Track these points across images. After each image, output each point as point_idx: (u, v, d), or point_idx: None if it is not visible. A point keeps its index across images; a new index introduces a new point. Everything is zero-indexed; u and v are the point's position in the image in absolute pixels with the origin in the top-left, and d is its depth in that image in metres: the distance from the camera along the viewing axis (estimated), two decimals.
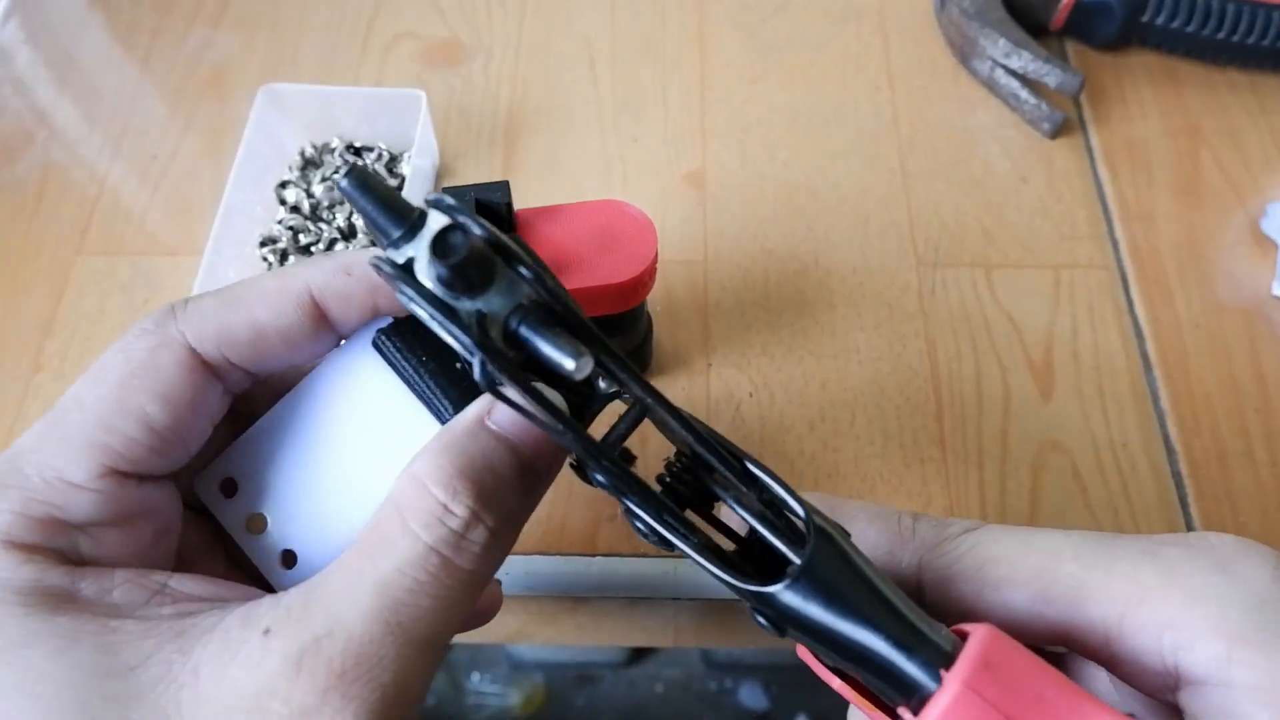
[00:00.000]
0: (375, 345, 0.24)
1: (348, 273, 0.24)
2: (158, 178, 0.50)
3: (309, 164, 0.49)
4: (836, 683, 0.23)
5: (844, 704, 0.24)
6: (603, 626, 0.51)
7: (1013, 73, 0.50)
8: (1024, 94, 0.50)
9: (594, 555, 0.39)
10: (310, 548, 0.25)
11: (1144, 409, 0.42)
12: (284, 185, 0.48)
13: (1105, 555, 0.22)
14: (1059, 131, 0.50)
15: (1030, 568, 0.22)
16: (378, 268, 0.21)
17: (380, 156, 0.49)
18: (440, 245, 0.20)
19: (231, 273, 0.44)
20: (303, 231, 0.46)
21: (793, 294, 0.45)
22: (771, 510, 0.23)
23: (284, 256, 0.46)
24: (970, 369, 0.43)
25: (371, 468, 0.24)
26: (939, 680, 0.20)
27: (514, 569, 0.38)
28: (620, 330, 0.38)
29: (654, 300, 0.44)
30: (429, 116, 0.46)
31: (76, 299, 0.46)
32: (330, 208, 0.47)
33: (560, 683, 1.16)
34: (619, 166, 0.50)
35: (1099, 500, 0.40)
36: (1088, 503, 0.40)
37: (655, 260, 0.38)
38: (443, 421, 0.24)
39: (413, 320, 0.24)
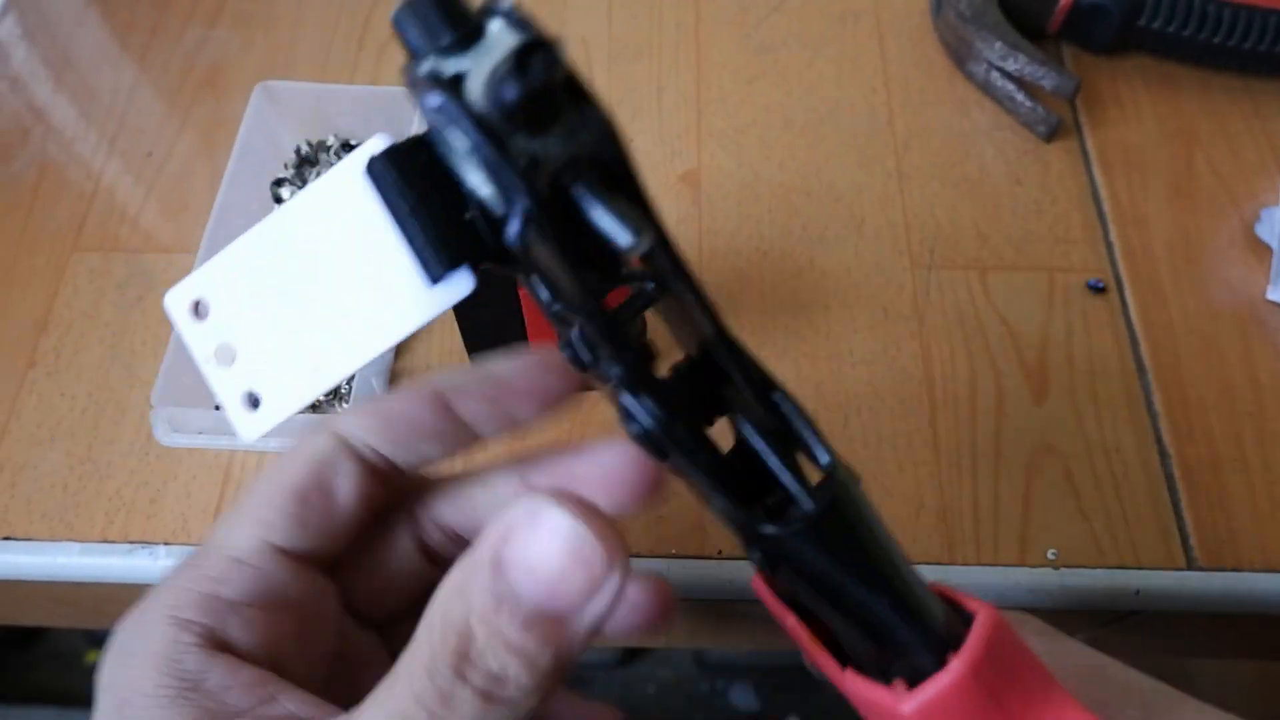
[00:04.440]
0: (369, 172, 0.20)
1: (482, 374, 0.25)
2: (153, 175, 0.50)
3: (304, 162, 0.49)
4: (791, 620, 0.23)
5: (839, 705, 0.24)
6: None
7: (1008, 75, 0.50)
8: (1019, 97, 0.50)
9: None
10: (273, 391, 0.22)
11: (1137, 413, 0.42)
12: (279, 183, 0.48)
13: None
14: (1054, 134, 0.50)
15: None
16: (414, 75, 0.18)
17: None
18: (521, 63, 0.17)
19: None
20: None
21: (787, 295, 0.45)
22: (776, 440, 0.21)
23: None
24: (964, 371, 0.43)
25: (341, 314, 0.21)
26: (942, 659, 0.20)
27: None
28: None
29: None
30: None
31: (71, 296, 0.45)
32: None
33: None
34: None
35: (1091, 504, 0.40)
36: (1080, 506, 0.40)
37: None
38: (432, 278, 0.19)
39: (415, 149, 0.19)
